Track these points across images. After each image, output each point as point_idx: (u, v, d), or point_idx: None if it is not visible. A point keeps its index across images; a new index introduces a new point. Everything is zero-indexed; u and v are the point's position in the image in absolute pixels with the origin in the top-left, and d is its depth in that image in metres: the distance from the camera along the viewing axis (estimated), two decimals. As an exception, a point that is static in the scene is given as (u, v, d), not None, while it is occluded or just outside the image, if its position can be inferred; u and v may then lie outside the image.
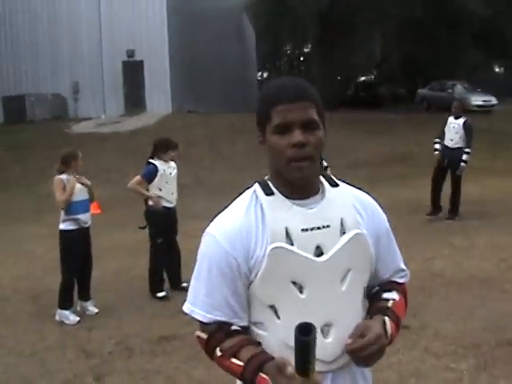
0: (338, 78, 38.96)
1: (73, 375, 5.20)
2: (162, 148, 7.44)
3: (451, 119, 11.14)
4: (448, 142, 11.05)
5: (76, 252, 6.68)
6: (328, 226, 1.84)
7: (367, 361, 1.81)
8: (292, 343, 1.62)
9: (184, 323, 6.31)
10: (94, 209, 14.31)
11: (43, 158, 18.20)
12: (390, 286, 2.03)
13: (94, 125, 25.98)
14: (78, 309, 6.90)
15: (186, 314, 1.91)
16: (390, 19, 31.83)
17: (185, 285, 7.17)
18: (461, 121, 11.02)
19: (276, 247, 1.79)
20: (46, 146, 20.60)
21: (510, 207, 11.82)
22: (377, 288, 2.02)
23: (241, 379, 1.81)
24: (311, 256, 1.81)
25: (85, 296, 6.96)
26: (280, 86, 1.85)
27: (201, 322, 1.88)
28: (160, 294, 7.28)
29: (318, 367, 1.69)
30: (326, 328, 1.84)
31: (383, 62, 37.87)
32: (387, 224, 2.04)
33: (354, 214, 1.91)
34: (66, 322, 6.58)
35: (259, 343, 1.85)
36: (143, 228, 7.58)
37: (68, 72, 28.36)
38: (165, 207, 7.37)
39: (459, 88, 30.95)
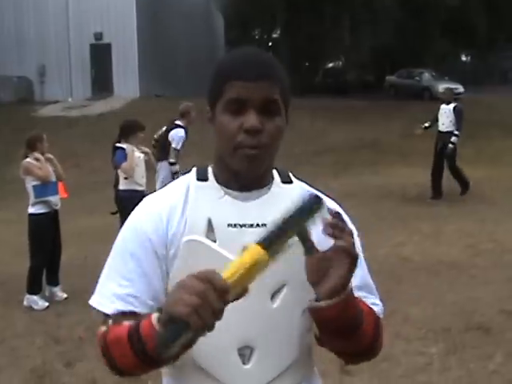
0: (307, 64, 38.99)
1: (42, 362, 5.13)
2: (130, 130, 7.29)
3: (443, 106, 12.00)
4: (440, 127, 11.92)
5: (46, 236, 6.60)
6: (264, 225, 1.45)
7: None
8: (204, 364, 1.45)
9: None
10: (61, 193, 14.18)
11: (9, 142, 17.90)
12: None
13: (61, 108, 25.65)
14: (47, 294, 6.82)
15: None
16: (359, 6, 31.93)
17: None
18: (451, 106, 11.85)
19: (191, 240, 1.46)
20: (11, 130, 20.29)
21: (478, 194, 11.96)
22: None
23: (129, 346, 1.33)
24: (234, 258, 1.28)
25: (54, 281, 6.88)
26: (240, 59, 1.50)
27: (104, 315, 1.51)
28: None
29: None
30: (247, 351, 1.48)
31: (352, 49, 37.95)
32: (355, 238, 1.49)
33: None
34: (35, 307, 6.50)
35: None
36: (115, 213, 7.49)
37: (34, 54, 27.93)
38: (135, 191, 7.20)
39: (427, 76, 31.24)
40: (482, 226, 9.18)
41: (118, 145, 7.30)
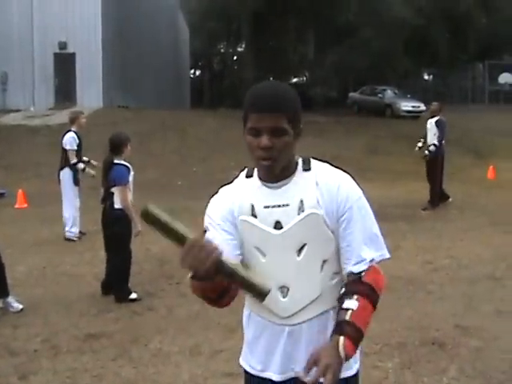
0: (271, 78, 39.18)
1: (-4, 374, 5.06)
2: (122, 144, 6.98)
3: (429, 120, 13.01)
4: (428, 141, 12.77)
5: None
6: (287, 205, 2.17)
7: None
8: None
9: (112, 321, 6.27)
10: (20, 203, 13.98)
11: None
12: (352, 287, 2.18)
13: (23, 117, 25.32)
14: (1, 305, 6.69)
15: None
16: (324, 22, 32.24)
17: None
18: (434, 119, 12.71)
19: (242, 219, 2.22)
20: (-29, 138, 19.99)
21: (437, 211, 12.16)
22: (343, 290, 2.20)
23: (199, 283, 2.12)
24: (269, 229, 2.18)
25: (2, 292, 6.66)
26: (257, 94, 2.14)
27: None
28: (133, 296, 6.89)
29: (277, 320, 2.22)
30: (284, 289, 2.20)
31: (315, 65, 38.29)
32: (352, 206, 2.20)
33: (313, 195, 2.18)
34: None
35: None
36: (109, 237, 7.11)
37: (-4, 62, 27.55)
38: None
39: (389, 93, 31.68)
40: (439, 242, 9.32)
41: (117, 161, 6.95)
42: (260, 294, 1.92)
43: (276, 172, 2.18)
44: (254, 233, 2.21)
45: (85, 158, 10.31)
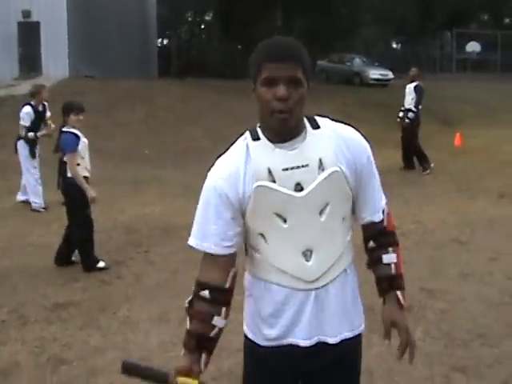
0: (239, 46, 38.91)
1: (-37, 345, 5.02)
2: (68, 112, 6.86)
3: (408, 85, 13.18)
4: (405, 104, 13.16)
5: None
6: (307, 165, 2.08)
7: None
8: (278, 265, 2.13)
9: (79, 290, 6.25)
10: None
11: None
12: (382, 239, 2.30)
13: (-13, 87, 24.86)
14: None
15: (190, 246, 2.20)
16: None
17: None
18: (413, 84, 13.01)
19: (259, 185, 2.07)
20: None
21: (405, 177, 12.28)
22: (372, 244, 2.30)
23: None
24: (291, 192, 2.07)
25: None
26: (272, 45, 2.08)
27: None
28: (101, 265, 6.85)
29: (302, 286, 2.14)
30: (308, 253, 2.13)
31: (284, 33, 38.07)
32: (368, 156, 2.21)
33: (332, 152, 2.11)
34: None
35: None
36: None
37: (-42, 32, 26.92)
38: (85, 177, 6.85)
39: (357, 61, 31.65)
40: (407, 208, 9.42)
41: (65, 129, 6.86)
42: None
43: (291, 126, 2.08)
44: (274, 198, 2.08)
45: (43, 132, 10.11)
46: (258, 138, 2.14)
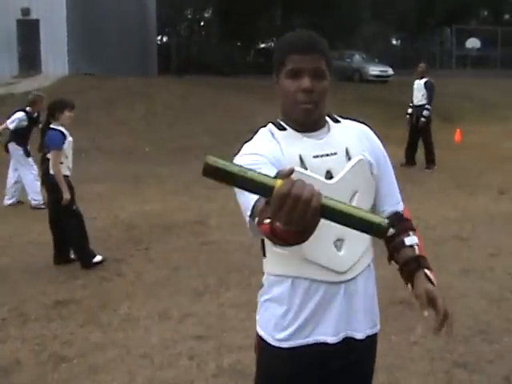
0: (238, 44, 38.90)
1: (-37, 343, 5.02)
2: (58, 109, 6.85)
3: (416, 81, 13.20)
4: (414, 101, 13.05)
5: None
6: (335, 154, 2.09)
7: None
8: (310, 257, 2.04)
9: (80, 287, 6.24)
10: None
11: None
12: (403, 225, 2.28)
13: (-14, 85, 24.84)
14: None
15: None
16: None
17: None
18: (423, 81, 12.91)
19: (295, 171, 1.82)
20: None
21: (406, 173, 12.26)
22: (392, 231, 2.25)
23: (272, 234, 1.65)
24: (323, 179, 2.04)
25: None
26: (296, 37, 2.10)
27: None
28: (97, 259, 6.85)
29: (333, 278, 2.09)
30: (339, 243, 2.10)
31: (283, 30, 38.08)
32: (383, 149, 2.28)
33: (356, 143, 2.16)
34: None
35: None
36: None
37: (-43, 30, 26.88)
38: (66, 176, 6.80)
39: (357, 58, 31.63)
40: (408, 204, 9.28)
41: (53, 126, 6.81)
42: (379, 230, 1.45)
43: (315, 118, 2.10)
44: None
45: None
46: (284, 129, 2.14)
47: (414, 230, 2.29)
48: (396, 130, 14.31)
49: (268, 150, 2.04)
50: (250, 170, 1.45)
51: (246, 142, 2.16)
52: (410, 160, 13.35)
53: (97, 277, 6.53)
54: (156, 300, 5.79)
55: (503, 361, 4.43)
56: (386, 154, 2.29)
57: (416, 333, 4.84)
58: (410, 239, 2.25)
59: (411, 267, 2.20)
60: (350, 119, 2.31)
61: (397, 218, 2.28)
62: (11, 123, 9.90)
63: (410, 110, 13.27)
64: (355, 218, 1.45)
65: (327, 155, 2.08)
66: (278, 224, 1.51)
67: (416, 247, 2.23)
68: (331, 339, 2.12)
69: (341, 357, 2.16)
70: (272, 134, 2.14)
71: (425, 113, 12.86)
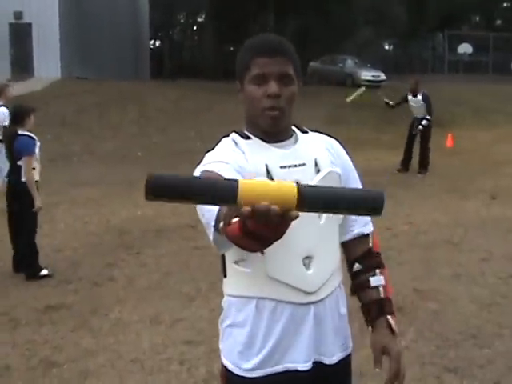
0: (231, 48, 38.93)
1: (-47, 347, 4.99)
2: (25, 115, 6.62)
3: (410, 97, 13.03)
4: (416, 116, 13.05)
5: None
6: (304, 165, 1.98)
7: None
8: (276, 276, 1.91)
9: (71, 292, 6.21)
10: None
11: None
12: (369, 261, 2.15)
13: (-22, 89, 24.76)
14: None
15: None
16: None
17: None
18: (419, 97, 12.87)
19: None
20: None
21: (398, 178, 12.29)
22: (358, 267, 2.15)
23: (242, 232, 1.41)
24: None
25: None
26: (261, 40, 2.01)
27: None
28: (44, 272, 6.69)
29: (301, 299, 1.94)
30: (307, 260, 1.96)
31: (277, 34, 38.11)
32: (350, 163, 2.18)
33: (325, 154, 2.05)
34: None
35: None
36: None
37: (-51, 33, 26.82)
38: (36, 181, 6.63)
39: (350, 63, 31.66)
40: (399, 209, 9.41)
41: (21, 132, 6.60)
42: (376, 207, 1.27)
43: (282, 126, 1.98)
44: None
45: None
46: (249, 138, 2.01)
47: (381, 266, 2.16)
48: (388, 135, 14.34)
49: (232, 158, 1.91)
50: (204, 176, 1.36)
51: (208, 151, 2.02)
52: (405, 167, 13.33)
53: (88, 281, 6.51)
54: (147, 305, 5.78)
55: (494, 366, 4.43)
56: (354, 169, 2.18)
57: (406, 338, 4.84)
58: (376, 279, 2.12)
59: (372, 312, 2.10)
60: (320, 133, 2.21)
61: (364, 253, 2.15)
62: (4, 121, 9.19)
63: (391, 102, 13.57)
64: (347, 199, 1.28)
65: (295, 166, 1.96)
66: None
67: (381, 289, 2.11)
68: (302, 366, 1.97)
69: None
70: (236, 143, 2.01)
71: (424, 122, 12.90)
